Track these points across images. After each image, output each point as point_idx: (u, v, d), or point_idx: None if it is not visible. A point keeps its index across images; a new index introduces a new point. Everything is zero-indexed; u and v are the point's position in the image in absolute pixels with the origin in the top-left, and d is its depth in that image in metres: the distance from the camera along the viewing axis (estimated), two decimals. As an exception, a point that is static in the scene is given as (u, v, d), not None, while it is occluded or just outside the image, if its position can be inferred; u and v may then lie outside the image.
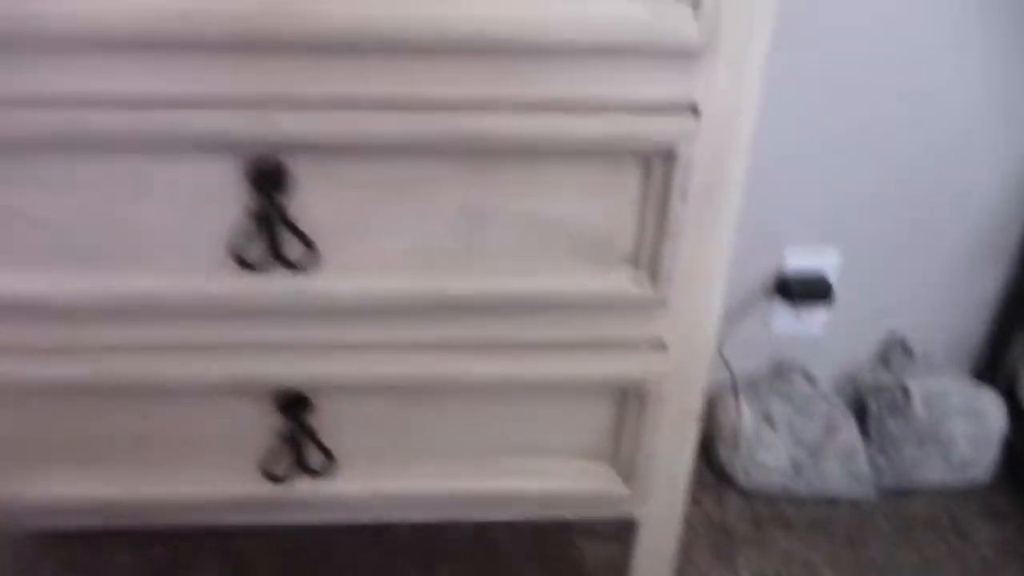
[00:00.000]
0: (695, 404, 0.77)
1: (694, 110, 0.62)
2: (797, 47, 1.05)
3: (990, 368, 1.31)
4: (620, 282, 0.69)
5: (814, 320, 1.28)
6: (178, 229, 0.65)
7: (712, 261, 0.69)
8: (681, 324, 0.72)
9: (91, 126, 0.60)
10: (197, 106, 0.60)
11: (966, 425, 1.22)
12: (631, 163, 0.64)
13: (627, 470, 0.78)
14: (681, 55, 0.60)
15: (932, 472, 1.24)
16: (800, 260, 1.24)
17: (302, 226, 0.65)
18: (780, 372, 1.30)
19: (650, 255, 0.68)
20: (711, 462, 1.28)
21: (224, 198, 0.64)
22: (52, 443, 0.77)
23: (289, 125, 0.61)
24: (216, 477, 0.78)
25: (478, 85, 0.61)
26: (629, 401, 0.75)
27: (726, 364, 1.27)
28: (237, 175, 0.63)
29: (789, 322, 1.28)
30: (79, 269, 0.66)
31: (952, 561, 1.18)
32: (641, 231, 0.67)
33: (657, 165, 0.64)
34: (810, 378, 1.29)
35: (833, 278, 1.24)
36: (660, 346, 0.73)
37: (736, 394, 1.26)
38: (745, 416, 1.24)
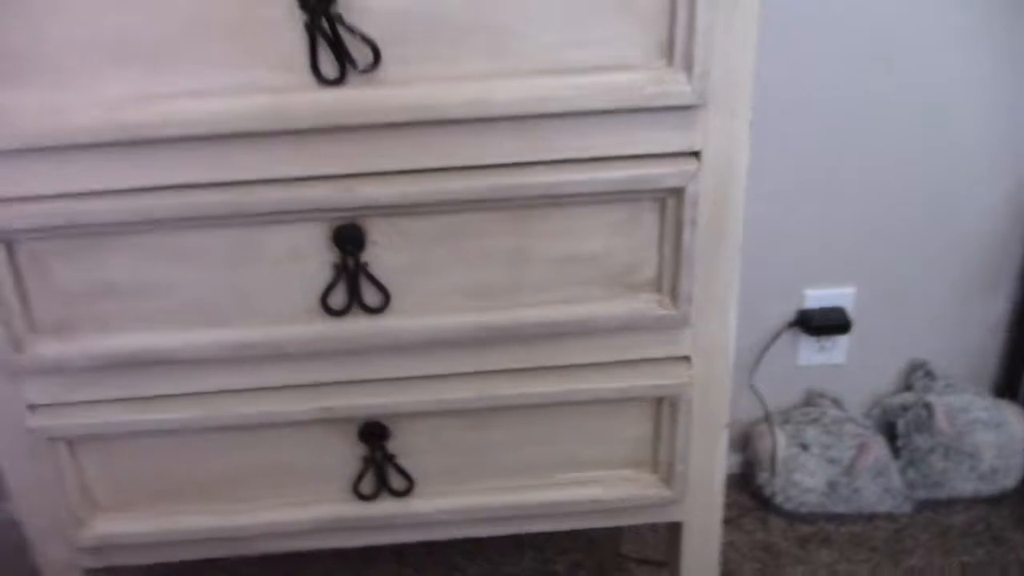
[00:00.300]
0: (722, 411, 0.87)
1: (695, 155, 0.75)
2: (806, 96, 1.18)
3: (1009, 385, 1.38)
4: (647, 305, 0.81)
5: (837, 351, 1.38)
6: (276, 285, 0.79)
7: (725, 282, 0.81)
8: (703, 339, 0.83)
9: (208, 205, 0.74)
10: (291, 183, 0.74)
11: (990, 436, 1.29)
12: (647, 203, 0.77)
13: (668, 475, 0.89)
14: (680, 111, 0.73)
15: (963, 483, 1.31)
16: (819, 296, 1.34)
17: (377, 275, 0.78)
18: (810, 400, 1.40)
19: (670, 279, 0.80)
20: (752, 489, 1.37)
21: (313, 257, 0.78)
22: (161, 481, 0.89)
23: (365, 193, 0.75)
24: (307, 503, 0.90)
25: (517, 149, 0.75)
26: (663, 411, 0.86)
27: (758, 396, 1.36)
28: (324, 237, 0.77)
29: (813, 354, 1.38)
30: (198, 325, 0.80)
31: (992, 567, 1.24)
32: (661, 259, 0.80)
33: (669, 203, 0.77)
34: (838, 404, 1.38)
35: (851, 310, 1.34)
36: (686, 360, 0.84)
37: (770, 423, 1.35)
38: (780, 442, 1.33)
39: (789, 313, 1.35)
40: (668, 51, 0.72)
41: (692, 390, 0.84)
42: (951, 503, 1.33)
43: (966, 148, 1.24)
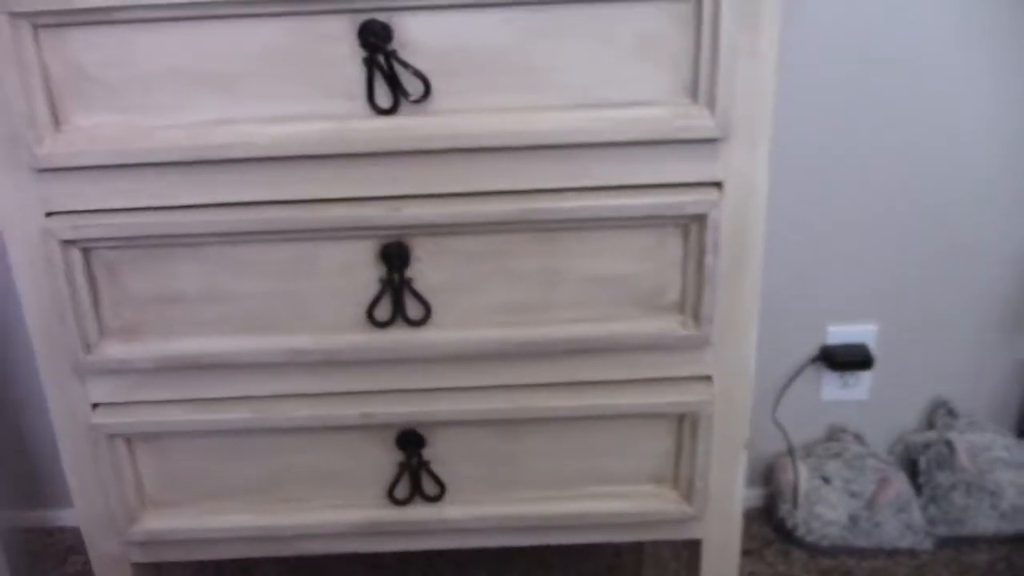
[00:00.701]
0: (742, 431, 0.91)
1: (718, 185, 0.81)
2: (833, 134, 1.24)
3: (1033, 426, 1.41)
4: (670, 325, 0.86)
5: (860, 387, 1.41)
6: (328, 297, 0.85)
7: (746, 305, 0.86)
8: (724, 360, 0.88)
9: (269, 221, 0.81)
10: (345, 203, 0.81)
11: (1011, 475, 1.31)
12: (672, 229, 0.83)
13: (688, 491, 0.93)
14: (704, 144, 0.79)
15: (985, 521, 1.33)
16: (843, 332, 1.38)
17: (420, 290, 0.85)
18: (832, 435, 1.42)
19: (693, 302, 0.85)
20: (774, 521, 1.39)
21: (362, 271, 0.84)
22: (209, 480, 0.95)
23: (412, 213, 0.81)
24: (346, 506, 0.95)
25: (552, 176, 0.81)
26: (685, 429, 0.91)
27: (781, 430, 1.40)
28: (373, 253, 0.83)
29: (836, 389, 1.41)
30: (254, 332, 0.86)
31: (1013, 606, 1.25)
32: (685, 283, 0.85)
33: (693, 229, 0.83)
34: (861, 439, 1.41)
35: (874, 347, 1.38)
36: (707, 379, 0.89)
37: (793, 456, 1.38)
38: (802, 475, 1.36)
39: (813, 348, 1.39)
40: (693, 89, 0.78)
41: (713, 408, 0.89)
42: (972, 541, 1.34)
43: (990, 188, 1.29)
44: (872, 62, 1.21)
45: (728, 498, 0.94)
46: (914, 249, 1.33)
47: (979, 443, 1.33)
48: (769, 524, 1.40)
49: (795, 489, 1.35)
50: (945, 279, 1.35)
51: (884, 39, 1.20)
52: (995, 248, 1.32)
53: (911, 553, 1.33)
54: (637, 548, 1.33)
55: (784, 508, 1.37)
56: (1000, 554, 1.33)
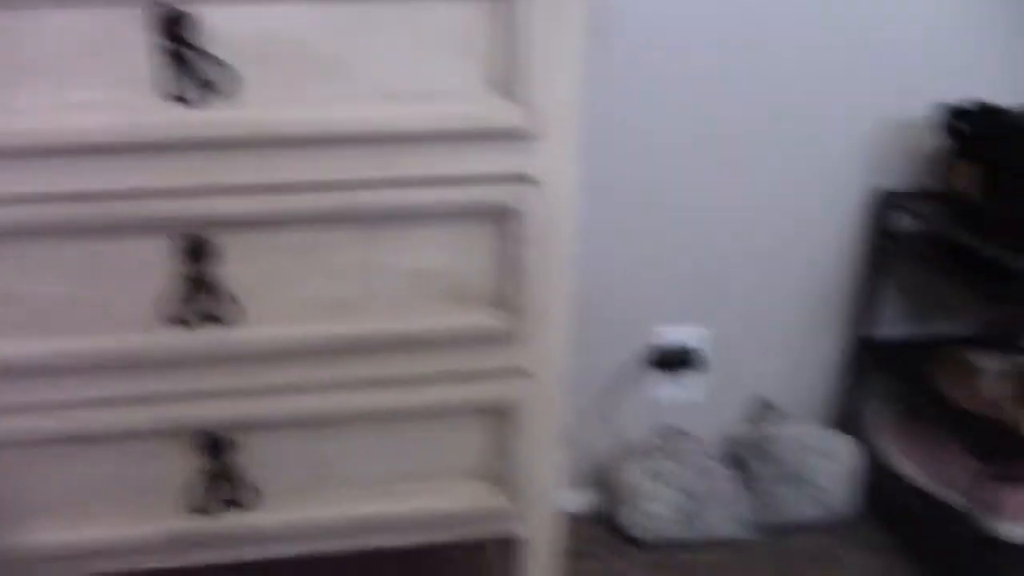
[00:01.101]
0: (557, 425, 0.93)
1: (526, 179, 0.82)
2: (661, 137, 1.29)
3: (842, 419, 1.50)
4: (485, 319, 0.87)
5: (690, 387, 1.47)
6: (128, 296, 0.81)
7: (556, 298, 0.88)
8: (537, 354, 0.89)
9: (56, 217, 0.77)
10: (143, 196, 0.78)
11: (823, 463, 1.39)
12: (484, 222, 0.84)
13: (506, 486, 0.93)
14: (514, 138, 0.81)
15: (804, 509, 1.40)
16: (673, 334, 1.44)
17: (228, 286, 0.82)
18: (664, 435, 1.47)
19: (506, 295, 0.86)
20: (609, 522, 1.42)
21: (163, 268, 0.80)
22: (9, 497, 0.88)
23: (215, 207, 0.78)
24: (150, 517, 0.90)
25: (362, 169, 0.80)
26: (502, 424, 0.91)
27: (614, 431, 1.44)
28: (174, 249, 0.80)
29: (667, 391, 1.47)
30: (45, 335, 0.81)
31: (829, 587, 1.33)
32: (498, 276, 0.86)
33: (504, 223, 0.84)
34: (692, 438, 1.46)
35: (704, 349, 1.44)
36: (522, 373, 0.90)
37: (625, 457, 1.42)
38: (635, 475, 1.40)
39: (645, 351, 1.43)
40: (503, 85, 0.79)
41: (527, 402, 0.90)
42: (794, 529, 1.42)
43: (806, 199, 1.37)
44: (703, 67, 1.27)
45: (548, 494, 0.95)
46: (743, 257, 1.40)
47: (793, 435, 1.41)
48: (603, 525, 1.43)
49: (628, 489, 1.39)
50: (768, 285, 1.42)
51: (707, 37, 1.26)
52: (807, 256, 1.41)
53: (738, 543, 1.39)
54: (474, 558, 1.33)
55: (618, 508, 1.40)
56: (818, 540, 1.41)
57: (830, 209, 1.38)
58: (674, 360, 1.43)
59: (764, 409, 1.48)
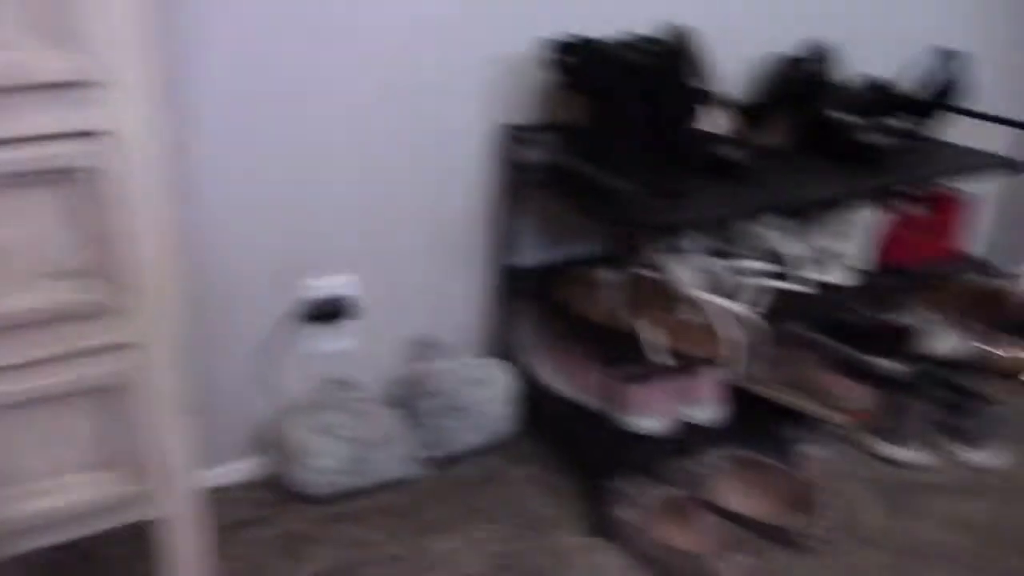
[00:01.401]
0: (182, 398, 0.87)
1: (94, 134, 0.74)
2: (295, 85, 1.23)
3: (502, 346, 1.59)
4: (76, 293, 0.78)
5: (346, 336, 1.46)
6: None
7: (160, 264, 0.81)
8: (145, 326, 0.82)
9: None
10: None
11: (480, 391, 1.47)
12: (55, 185, 0.74)
13: (134, 471, 0.86)
14: (76, 89, 0.72)
15: (469, 437, 1.47)
16: (324, 285, 1.41)
17: None
18: (327, 388, 1.46)
19: (97, 264, 0.78)
20: (283, 485, 1.39)
21: None
22: None
23: None
24: None
25: None
26: (116, 404, 0.83)
27: (272, 390, 1.39)
28: None
29: (323, 342, 1.44)
30: None
31: (495, 501, 1.41)
32: (85, 244, 0.77)
33: (78, 184, 0.74)
34: (353, 386, 1.46)
35: (356, 296, 1.43)
36: (129, 348, 0.82)
37: (288, 415, 1.39)
38: (302, 433, 1.37)
39: (296, 306, 1.39)
40: (52, 31, 0.70)
41: (140, 378, 0.83)
42: (462, 458, 1.48)
43: (439, 142, 1.40)
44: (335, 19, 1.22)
45: (183, 470, 0.89)
46: (386, 202, 1.40)
47: (452, 369, 1.46)
48: (274, 488, 1.39)
49: (294, 448, 1.36)
50: (413, 227, 1.44)
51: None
52: (449, 195, 1.45)
53: (410, 481, 1.43)
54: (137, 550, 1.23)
55: (286, 469, 1.36)
56: (481, 463, 1.49)
57: (461, 148, 1.43)
58: (327, 311, 1.41)
59: (423, 347, 1.51)
